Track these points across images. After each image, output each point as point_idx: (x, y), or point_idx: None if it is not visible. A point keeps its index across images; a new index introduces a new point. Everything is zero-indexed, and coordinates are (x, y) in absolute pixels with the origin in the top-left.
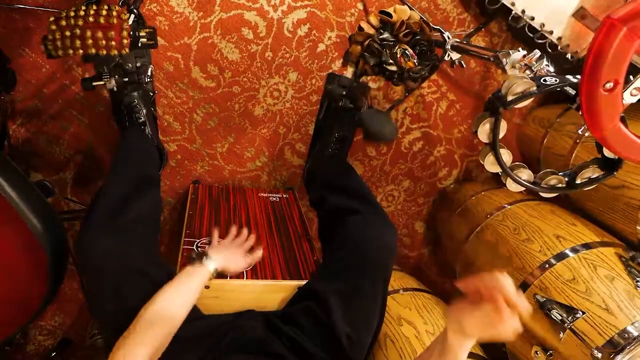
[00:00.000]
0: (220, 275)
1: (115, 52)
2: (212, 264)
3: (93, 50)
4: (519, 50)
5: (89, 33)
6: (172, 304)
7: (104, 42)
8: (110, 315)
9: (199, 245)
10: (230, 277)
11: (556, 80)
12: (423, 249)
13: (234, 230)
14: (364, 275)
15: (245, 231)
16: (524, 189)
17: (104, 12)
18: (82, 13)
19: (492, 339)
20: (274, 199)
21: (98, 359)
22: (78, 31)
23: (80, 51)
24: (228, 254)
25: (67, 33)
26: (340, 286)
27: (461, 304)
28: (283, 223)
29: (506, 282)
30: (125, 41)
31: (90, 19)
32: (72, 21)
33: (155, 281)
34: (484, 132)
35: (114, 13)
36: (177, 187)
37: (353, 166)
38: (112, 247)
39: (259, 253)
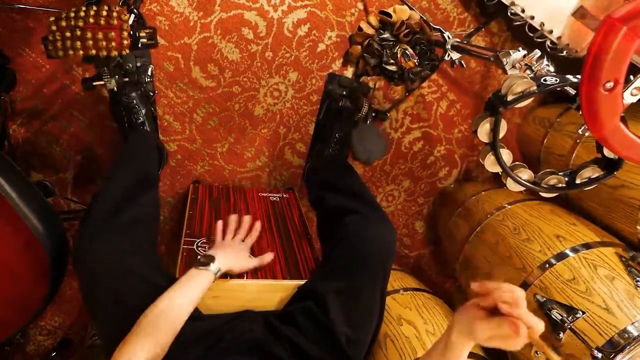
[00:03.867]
0: (223, 275)
1: (116, 53)
2: (217, 267)
3: (93, 52)
4: (519, 50)
5: (89, 34)
6: (176, 306)
7: (104, 43)
8: (109, 317)
9: (199, 245)
10: (231, 277)
11: (556, 80)
12: (423, 249)
13: (233, 223)
14: (363, 275)
15: (246, 221)
16: (524, 188)
17: (104, 13)
18: (82, 14)
19: (496, 347)
20: (274, 199)
21: (98, 359)
22: (78, 32)
23: (81, 52)
24: (232, 253)
25: (68, 34)
26: (340, 286)
27: (475, 310)
28: (283, 223)
29: (523, 300)
30: (125, 42)
31: (91, 19)
32: (73, 22)
33: (152, 282)
34: (484, 132)
35: (114, 14)
36: (177, 187)
37: (353, 166)
38: (107, 249)
39: (268, 256)
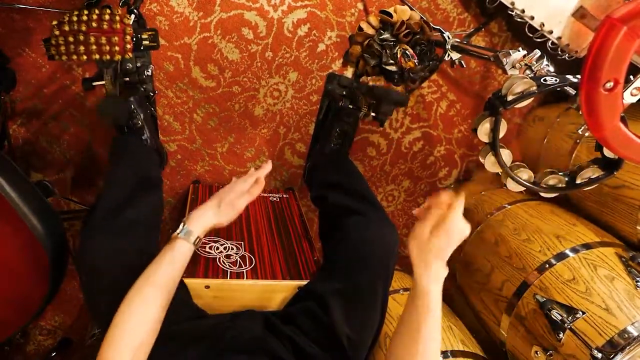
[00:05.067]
0: (223, 273)
1: (119, 57)
2: (190, 234)
3: (97, 56)
4: (519, 50)
5: (92, 39)
6: (152, 284)
7: (107, 47)
8: (110, 317)
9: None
10: (230, 277)
11: (556, 80)
12: None
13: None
14: (364, 275)
15: (252, 171)
16: (524, 188)
17: (107, 17)
18: (84, 18)
19: (452, 242)
20: (274, 199)
21: None
22: (81, 37)
23: (84, 57)
24: (224, 201)
25: (71, 39)
26: (341, 286)
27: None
28: (283, 223)
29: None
30: (128, 46)
31: (94, 24)
32: (75, 26)
33: None
34: (484, 132)
35: (117, 18)
36: (177, 187)
37: (353, 162)
38: (109, 249)
39: (260, 185)
